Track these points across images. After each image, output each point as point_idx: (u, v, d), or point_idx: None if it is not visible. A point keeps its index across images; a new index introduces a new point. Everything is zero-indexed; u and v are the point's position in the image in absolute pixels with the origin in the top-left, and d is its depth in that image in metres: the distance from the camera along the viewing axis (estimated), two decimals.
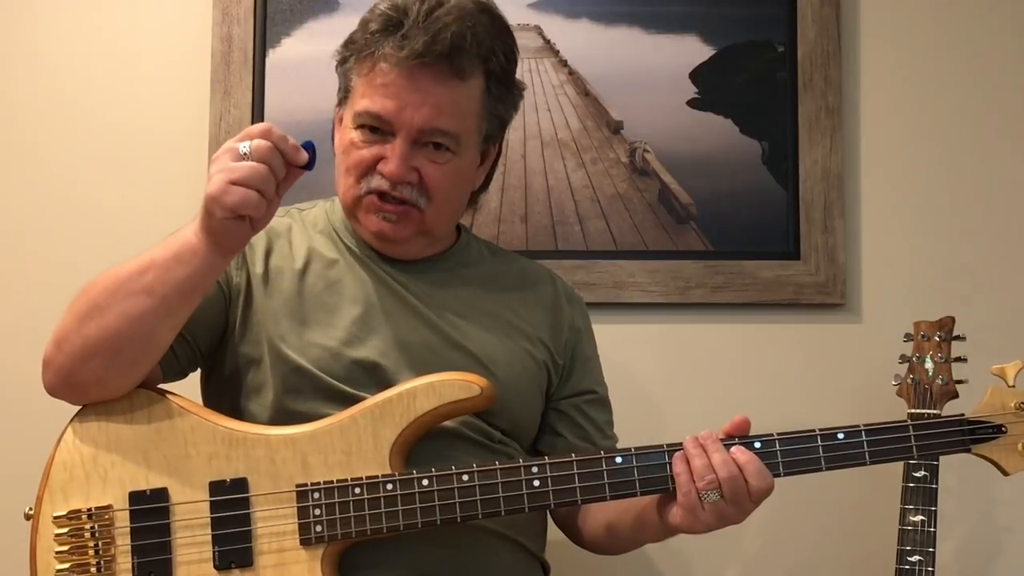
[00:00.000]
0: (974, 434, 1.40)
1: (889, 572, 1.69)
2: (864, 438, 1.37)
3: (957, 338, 1.72)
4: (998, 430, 1.40)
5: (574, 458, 1.39)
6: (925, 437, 1.39)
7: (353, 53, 1.51)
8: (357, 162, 1.50)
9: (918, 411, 1.71)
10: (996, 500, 1.98)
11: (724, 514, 1.34)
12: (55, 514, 1.41)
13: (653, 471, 1.37)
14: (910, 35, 2.04)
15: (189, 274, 1.36)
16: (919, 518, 1.68)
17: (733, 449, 1.35)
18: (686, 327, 2.01)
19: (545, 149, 2.03)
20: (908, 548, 1.68)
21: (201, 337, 1.50)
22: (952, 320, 1.73)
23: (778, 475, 1.35)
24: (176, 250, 1.36)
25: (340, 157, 1.53)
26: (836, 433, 1.37)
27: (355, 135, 1.50)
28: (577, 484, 1.38)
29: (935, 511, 1.68)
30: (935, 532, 1.68)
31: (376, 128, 1.48)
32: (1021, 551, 1.97)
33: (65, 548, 1.40)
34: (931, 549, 1.67)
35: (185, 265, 1.36)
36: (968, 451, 1.40)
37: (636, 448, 1.39)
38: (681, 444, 1.37)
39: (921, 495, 1.69)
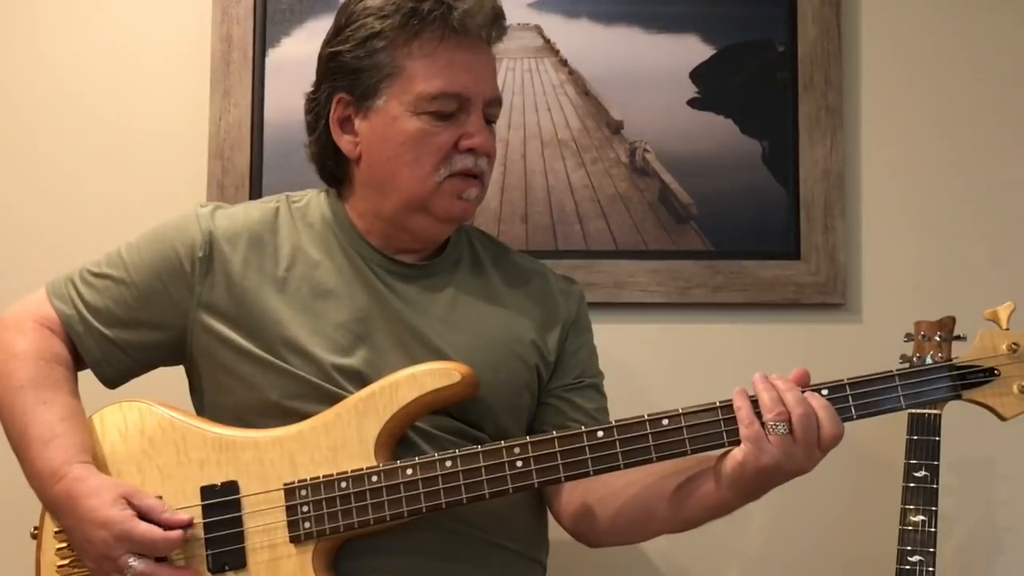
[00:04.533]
0: (964, 379, 1.34)
1: (889, 572, 1.69)
2: (849, 392, 1.34)
3: (957, 338, 1.71)
4: (990, 373, 1.34)
5: (555, 435, 1.38)
6: (912, 386, 1.34)
7: (395, 36, 1.47)
8: (437, 148, 1.47)
9: (918, 411, 1.71)
10: (996, 500, 1.97)
11: (791, 452, 1.30)
12: (56, 529, 1.43)
13: (635, 442, 1.36)
14: (911, 34, 2.03)
15: (28, 458, 1.43)
16: (920, 518, 1.68)
17: (806, 392, 1.32)
18: (686, 327, 2.01)
19: (545, 149, 2.03)
20: (909, 548, 1.68)
21: (138, 348, 1.53)
22: (952, 320, 1.73)
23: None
24: (47, 454, 1.41)
25: (400, 149, 1.47)
26: (820, 389, 1.34)
27: (423, 122, 1.46)
28: (560, 461, 1.37)
29: (935, 511, 1.68)
30: (935, 532, 1.68)
31: (446, 109, 1.46)
32: (1021, 551, 1.96)
33: (66, 562, 1.42)
34: (932, 549, 1.67)
35: (35, 457, 1.42)
36: (959, 397, 1.35)
37: (617, 421, 1.38)
38: (658, 416, 1.35)
39: (921, 495, 1.68)
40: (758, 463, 1.30)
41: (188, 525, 1.38)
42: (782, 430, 1.30)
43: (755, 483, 1.33)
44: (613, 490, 1.49)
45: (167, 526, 1.37)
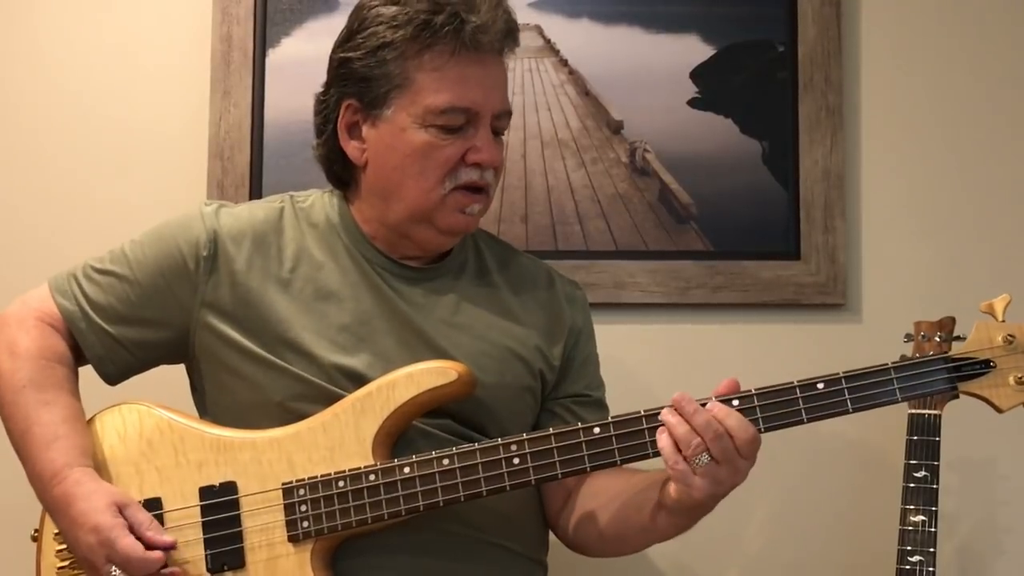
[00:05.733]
0: (960, 371, 1.34)
1: (890, 572, 1.69)
2: (845, 385, 1.33)
3: (957, 338, 1.71)
4: (986, 365, 1.34)
5: (552, 431, 1.38)
6: (907, 379, 1.34)
7: (406, 47, 1.46)
8: (444, 161, 1.46)
9: (918, 411, 1.71)
10: (996, 500, 1.97)
11: (718, 476, 1.29)
12: (56, 531, 1.44)
13: (632, 438, 1.36)
14: (911, 34, 2.03)
15: (30, 459, 1.43)
16: (920, 518, 1.68)
17: (710, 405, 1.31)
18: (686, 327, 2.01)
19: (545, 149, 2.03)
20: (909, 548, 1.68)
21: (138, 344, 1.52)
22: (952, 320, 1.72)
23: (759, 431, 1.32)
24: (49, 456, 1.41)
25: (407, 160, 1.47)
26: (815, 383, 1.34)
27: (430, 135, 1.46)
28: (556, 458, 1.37)
29: (936, 511, 1.68)
30: (936, 532, 1.67)
31: (454, 123, 1.46)
32: (1021, 551, 1.96)
33: (66, 564, 1.43)
34: (932, 549, 1.67)
35: (37, 459, 1.42)
36: (955, 391, 1.35)
37: (614, 417, 1.38)
38: (654, 412, 1.35)
39: (922, 495, 1.68)
40: (691, 499, 1.31)
41: (171, 547, 1.38)
42: (705, 460, 1.29)
43: (696, 510, 1.35)
44: (600, 504, 1.50)
45: (149, 544, 1.36)
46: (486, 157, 1.47)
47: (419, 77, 1.46)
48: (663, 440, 1.32)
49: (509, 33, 1.50)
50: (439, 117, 1.46)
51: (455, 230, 1.52)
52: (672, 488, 1.33)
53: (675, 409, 1.32)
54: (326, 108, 1.54)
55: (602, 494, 1.50)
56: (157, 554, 1.36)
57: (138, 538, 1.36)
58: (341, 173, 1.56)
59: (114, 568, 1.34)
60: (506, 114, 1.52)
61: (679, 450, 1.30)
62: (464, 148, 1.47)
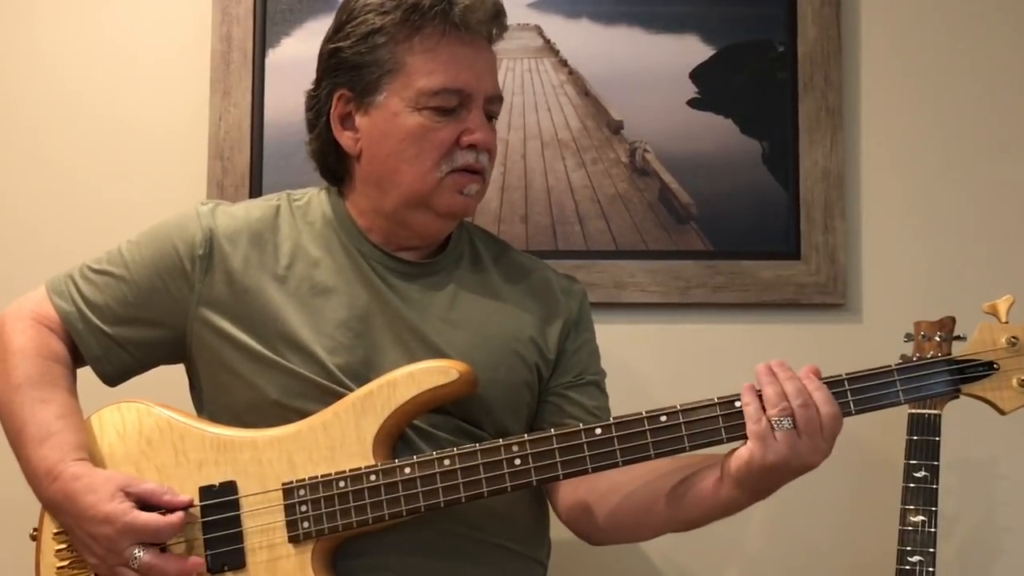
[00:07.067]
0: (963, 373, 1.34)
1: (889, 572, 1.69)
2: (848, 387, 1.34)
3: (957, 338, 1.71)
4: (989, 367, 1.33)
5: (553, 433, 1.38)
6: (910, 381, 1.34)
7: (396, 31, 1.47)
8: (439, 143, 1.47)
9: (918, 411, 1.71)
10: (996, 500, 1.97)
11: (797, 447, 1.29)
12: (55, 531, 1.43)
13: (633, 439, 1.36)
14: (911, 34, 2.03)
15: (25, 457, 1.43)
16: (919, 518, 1.68)
17: (801, 374, 1.32)
18: (686, 327, 2.01)
19: (545, 149, 2.03)
20: (909, 548, 1.68)
21: (136, 346, 1.52)
22: (952, 320, 1.72)
23: None
24: (42, 453, 1.41)
25: (401, 144, 1.48)
26: None
27: (424, 118, 1.47)
28: (558, 459, 1.37)
29: (935, 511, 1.68)
30: (935, 532, 1.68)
31: (447, 105, 1.47)
32: (1021, 551, 1.96)
33: (65, 563, 1.43)
34: (932, 549, 1.67)
35: (31, 456, 1.42)
36: (958, 393, 1.35)
37: (615, 418, 1.38)
38: (656, 413, 1.35)
39: (921, 495, 1.68)
40: (764, 461, 1.30)
41: (188, 506, 1.39)
42: (787, 425, 1.29)
43: (763, 481, 1.33)
44: (613, 486, 1.48)
45: (168, 508, 1.38)
46: (480, 137, 1.48)
47: (410, 60, 1.47)
48: (747, 396, 1.32)
49: (496, 16, 1.52)
50: (432, 99, 1.47)
51: (453, 212, 1.52)
52: (744, 450, 1.31)
53: (770, 369, 1.33)
54: (317, 102, 1.55)
55: (616, 477, 1.47)
56: (178, 516, 1.37)
57: (155, 507, 1.37)
58: (335, 167, 1.57)
59: (137, 550, 1.35)
60: (497, 99, 1.53)
61: (763, 408, 1.30)
62: (458, 130, 1.48)
